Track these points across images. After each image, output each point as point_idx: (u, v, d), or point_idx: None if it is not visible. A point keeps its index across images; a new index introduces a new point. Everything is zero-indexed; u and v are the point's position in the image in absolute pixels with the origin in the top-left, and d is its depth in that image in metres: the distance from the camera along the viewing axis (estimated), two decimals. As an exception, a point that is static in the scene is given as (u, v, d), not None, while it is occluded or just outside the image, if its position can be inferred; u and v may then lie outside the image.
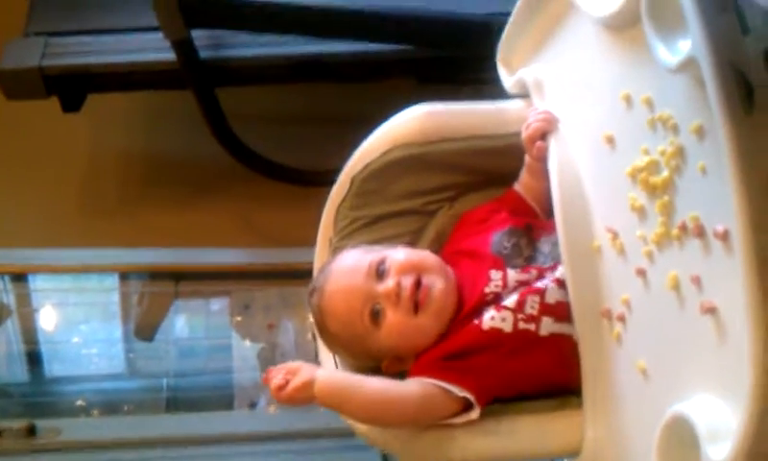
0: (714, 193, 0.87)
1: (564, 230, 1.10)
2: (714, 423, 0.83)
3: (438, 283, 1.14)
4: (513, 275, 1.14)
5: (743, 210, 0.80)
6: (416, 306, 1.13)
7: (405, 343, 1.15)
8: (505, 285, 1.13)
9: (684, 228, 0.92)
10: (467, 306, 1.14)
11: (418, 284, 1.13)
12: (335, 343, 1.21)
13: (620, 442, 1.03)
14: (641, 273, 0.99)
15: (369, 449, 1.86)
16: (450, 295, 1.15)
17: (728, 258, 0.85)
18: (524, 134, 1.19)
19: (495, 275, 1.14)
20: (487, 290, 1.13)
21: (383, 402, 1.10)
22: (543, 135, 1.18)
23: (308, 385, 1.06)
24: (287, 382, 1.06)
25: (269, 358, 2.29)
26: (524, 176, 1.24)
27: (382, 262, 1.16)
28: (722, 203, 0.83)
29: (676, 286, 0.93)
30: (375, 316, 1.14)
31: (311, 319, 1.25)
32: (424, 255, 1.19)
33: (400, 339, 1.14)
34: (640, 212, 1.00)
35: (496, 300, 1.12)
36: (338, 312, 1.17)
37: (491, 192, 1.29)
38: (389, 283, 1.13)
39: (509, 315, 1.11)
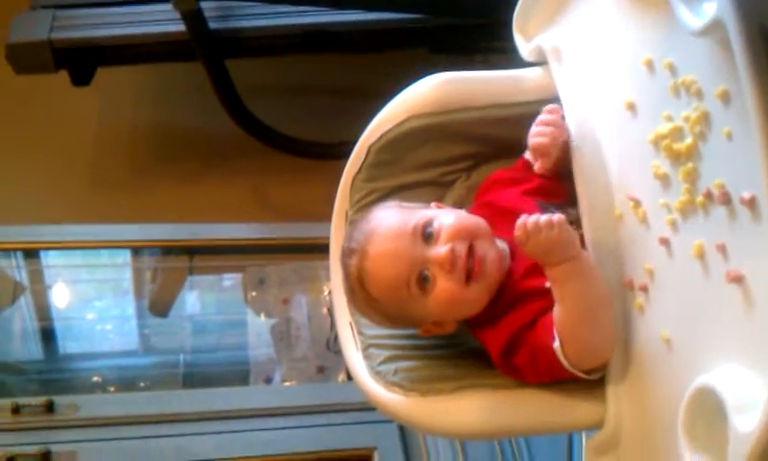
0: (740, 159, 0.85)
1: (585, 198, 1.09)
2: (742, 393, 0.82)
3: (491, 252, 1.10)
4: None
5: (771, 176, 0.78)
6: (468, 276, 1.08)
7: (453, 311, 1.12)
8: None
9: (708, 195, 0.90)
10: (522, 267, 1.11)
11: (470, 251, 1.08)
12: (372, 306, 1.15)
13: (644, 414, 1.01)
14: (665, 242, 0.98)
15: (385, 423, 1.87)
16: (503, 265, 1.11)
17: (755, 225, 0.83)
18: (531, 142, 1.16)
19: None
20: None
21: (611, 301, 1.04)
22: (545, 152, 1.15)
23: (576, 242, 1.02)
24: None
25: (283, 333, 2.28)
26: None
27: (429, 224, 1.11)
28: (748, 169, 0.81)
29: (701, 255, 0.91)
30: (423, 282, 1.09)
31: (328, 290, 1.22)
32: (477, 220, 1.14)
33: (449, 307, 1.10)
34: (663, 180, 0.98)
35: None
36: (383, 276, 1.11)
37: (507, 162, 1.27)
38: (441, 250, 1.08)
39: None
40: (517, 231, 1.02)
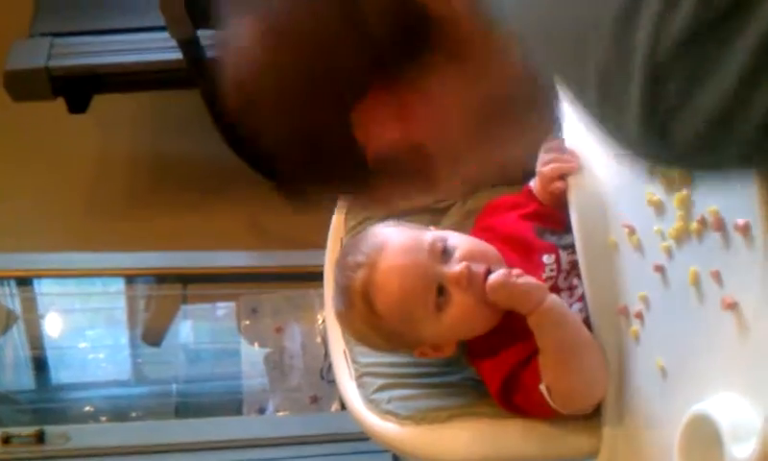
0: (734, 185, 0.84)
1: (579, 226, 1.08)
2: (737, 421, 0.81)
3: None
4: (565, 256, 1.12)
5: (764, 202, 0.78)
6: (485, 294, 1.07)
7: (467, 328, 1.10)
8: (559, 269, 1.12)
9: (703, 222, 0.90)
10: None
11: (487, 273, 1.07)
12: (370, 323, 1.11)
13: (639, 442, 1.01)
14: (659, 269, 0.97)
15: (379, 453, 1.85)
16: None
17: (749, 252, 0.83)
18: (540, 170, 1.16)
19: (548, 259, 1.13)
20: (544, 276, 1.11)
21: (593, 346, 1.06)
22: (562, 176, 1.14)
23: (542, 290, 1.03)
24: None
25: (277, 362, 2.27)
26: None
27: (444, 241, 1.09)
28: (742, 195, 0.81)
29: (695, 282, 0.91)
30: (440, 298, 1.07)
31: (322, 319, 1.21)
32: (489, 247, 1.13)
33: (464, 324, 1.09)
34: (658, 207, 0.98)
35: (554, 286, 1.10)
36: (396, 290, 1.07)
37: (502, 188, 1.27)
38: (457, 268, 1.06)
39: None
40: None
